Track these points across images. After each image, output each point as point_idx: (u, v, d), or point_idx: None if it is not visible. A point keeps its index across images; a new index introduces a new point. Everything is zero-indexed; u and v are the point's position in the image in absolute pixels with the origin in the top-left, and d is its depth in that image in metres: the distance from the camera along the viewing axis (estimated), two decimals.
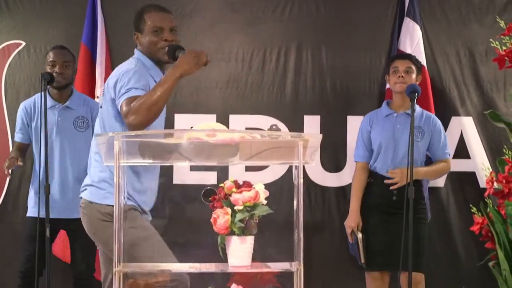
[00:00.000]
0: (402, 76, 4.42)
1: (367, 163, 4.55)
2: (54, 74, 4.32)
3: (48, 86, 4.36)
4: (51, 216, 3.88)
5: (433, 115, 4.63)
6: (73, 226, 4.38)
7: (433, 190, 5.02)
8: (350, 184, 5.02)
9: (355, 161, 4.61)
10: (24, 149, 4.58)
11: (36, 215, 4.29)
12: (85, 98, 4.63)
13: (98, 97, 4.95)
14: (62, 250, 4.85)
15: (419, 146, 4.44)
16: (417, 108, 4.46)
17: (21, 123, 4.53)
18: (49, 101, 4.38)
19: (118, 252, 2.46)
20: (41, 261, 4.03)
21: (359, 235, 4.43)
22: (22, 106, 4.56)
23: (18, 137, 4.56)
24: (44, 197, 3.94)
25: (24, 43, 5.15)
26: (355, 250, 4.48)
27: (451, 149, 4.91)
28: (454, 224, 5.14)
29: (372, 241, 4.44)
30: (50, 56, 4.47)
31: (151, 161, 2.69)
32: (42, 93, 4.05)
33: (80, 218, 4.40)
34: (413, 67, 4.47)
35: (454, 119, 5.17)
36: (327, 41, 5.23)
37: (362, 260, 4.45)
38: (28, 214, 4.51)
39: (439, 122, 4.58)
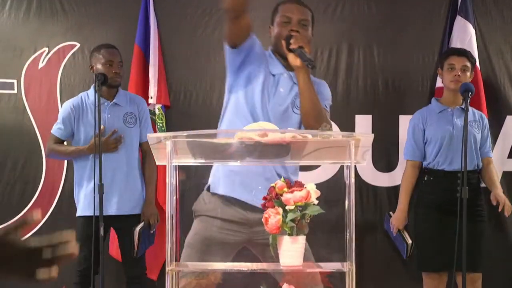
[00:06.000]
0: (459, 75, 4.37)
1: (419, 162, 4.50)
2: (112, 73, 4.38)
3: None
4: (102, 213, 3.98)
5: (481, 112, 4.63)
6: (122, 224, 4.43)
7: (488, 190, 4.95)
8: None
9: (406, 159, 4.58)
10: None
11: (87, 214, 4.36)
12: (130, 95, 4.66)
13: (151, 97, 4.99)
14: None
15: (478, 139, 4.44)
16: None
17: (66, 120, 4.47)
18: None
19: (170, 251, 2.48)
20: (97, 260, 4.08)
21: (409, 241, 4.41)
22: (69, 104, 4.51)
23: (58, 132, 4.49)
24: (98, 196, 4.02)
25: (78, 45, 5.23)
26: (399, 242, 4.48)
27: (506, 148, 4.95)
28: (509, 224, 5.06)
29: (430, 241, 4.38)
30: (105, 56, 4.48)
31: (202, 160, 2.71)
32: (96, 93, 4.13)
33: (129, 216, 4.48)
34: (469, 65, 4.42)
35: (509, 118, 5.10)
36: (379, 40, 5.20)
37: (408, 255, 4.43)
38: (78, 214, 4.47)
39: (486, 119, 4.59)
